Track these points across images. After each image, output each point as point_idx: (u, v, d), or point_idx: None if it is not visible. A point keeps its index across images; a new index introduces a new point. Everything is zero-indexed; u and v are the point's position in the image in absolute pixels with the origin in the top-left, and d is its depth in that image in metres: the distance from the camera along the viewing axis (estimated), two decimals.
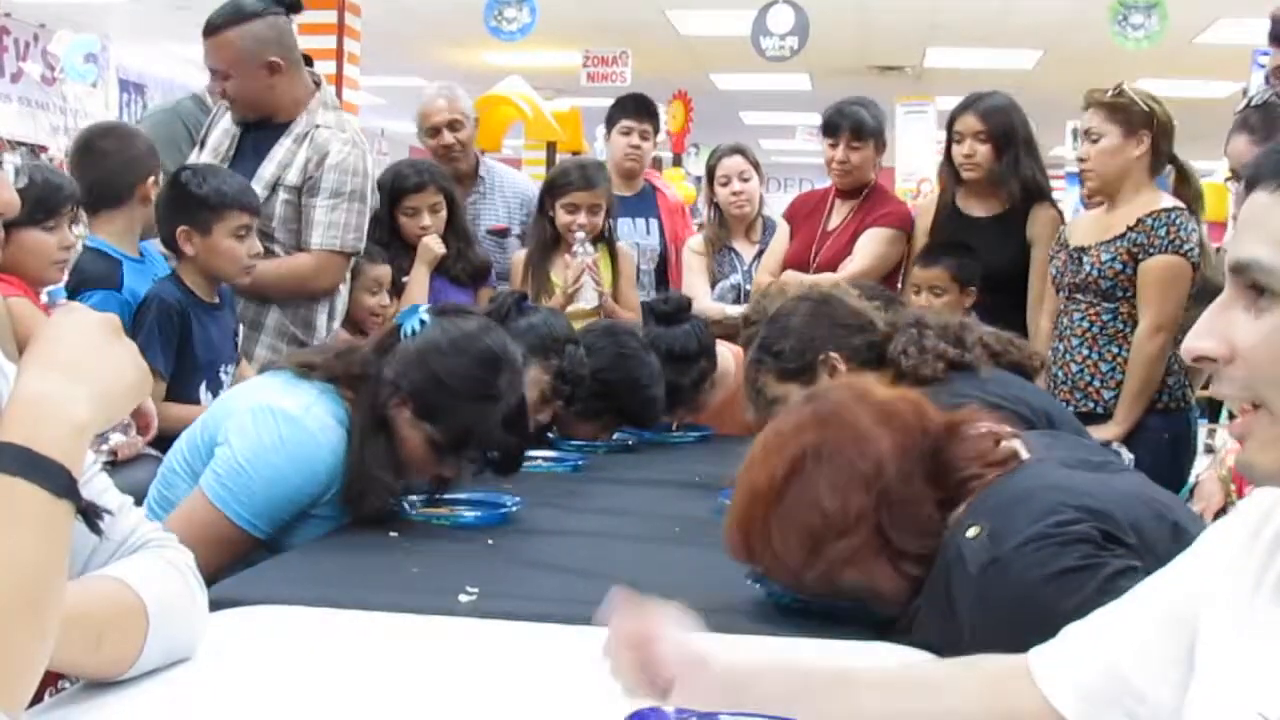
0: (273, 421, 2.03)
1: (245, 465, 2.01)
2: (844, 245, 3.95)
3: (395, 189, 3.66)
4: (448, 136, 4.05)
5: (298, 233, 3.18)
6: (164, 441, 2.32)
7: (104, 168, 3.00)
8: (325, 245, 3.17)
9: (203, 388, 2.80)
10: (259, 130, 3.25)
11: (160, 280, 2.82)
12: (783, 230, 4.16)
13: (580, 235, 3.76)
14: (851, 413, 1.50)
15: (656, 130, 4.62)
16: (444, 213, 3.74)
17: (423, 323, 2.12)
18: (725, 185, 4.26)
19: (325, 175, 3.16)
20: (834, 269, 3.84)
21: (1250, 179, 0.87)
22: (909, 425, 1.49)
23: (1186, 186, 3.43)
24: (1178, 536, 1.36)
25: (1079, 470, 1.56)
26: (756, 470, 1.52)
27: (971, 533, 1.41)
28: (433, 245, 3.69)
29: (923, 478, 1.47)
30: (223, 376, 2.86)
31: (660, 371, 3.06)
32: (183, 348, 2.74)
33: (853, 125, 3.95)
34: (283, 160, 3.18)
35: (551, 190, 3.88)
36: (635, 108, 4.52)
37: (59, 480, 0.96)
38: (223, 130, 3.29)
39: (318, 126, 3.22)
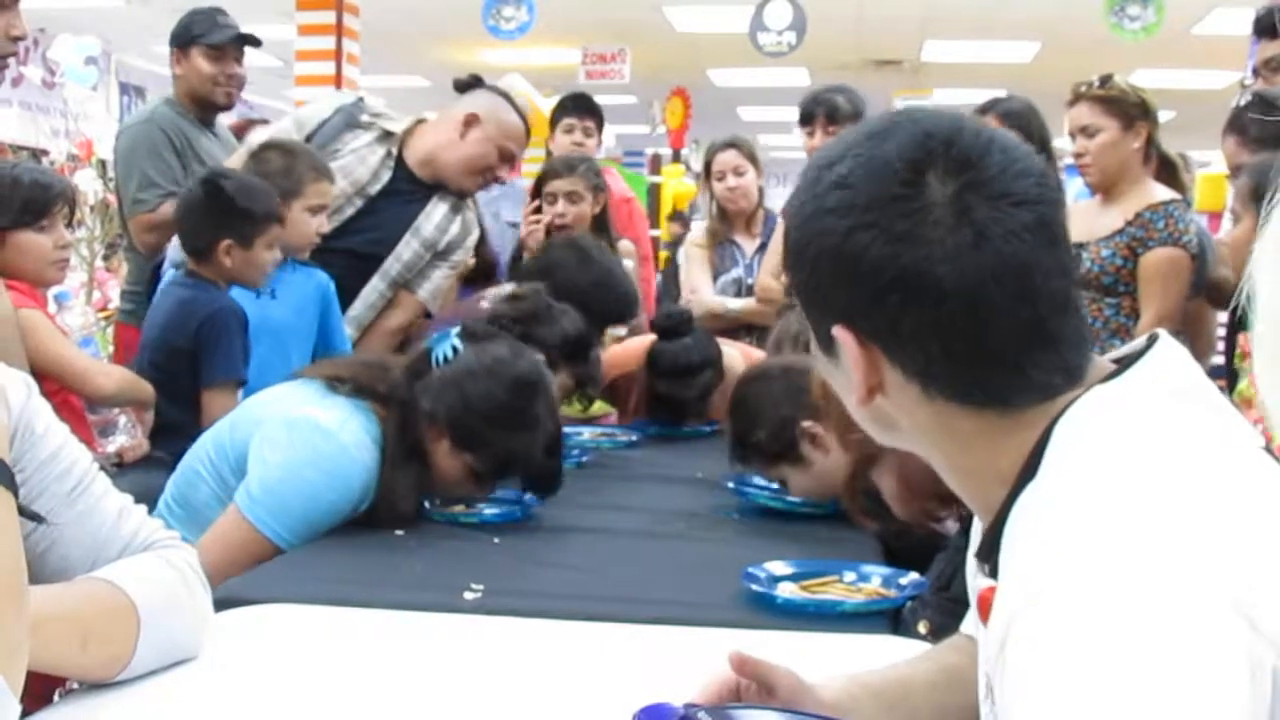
0: (309, 435, 1.99)
1: (280, 480, 1.97)
2: None
3: None
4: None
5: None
6: (172, 445, 2.32)
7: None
8: (425, 300, 3.24)
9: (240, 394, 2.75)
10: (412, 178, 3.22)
11: (211, 293, 2.70)
12: (783, 227, 4.14)
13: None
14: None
15: (600, 127, 4.62)
16: None
17: (455, 349, 2.10)
18: (721, 180, 4.26)
19: (459, 251, 3.26)
20: None
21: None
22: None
23: (1173, 179, 3.42)
24: None
25: None
26: None
27: None
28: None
29: None
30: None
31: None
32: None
33: (827, 111, 3.94)
34: (440, 225, 3.19)
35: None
36: (575, 106, 4.55)
37: (4, 474, 0.99)
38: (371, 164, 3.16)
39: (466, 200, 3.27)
